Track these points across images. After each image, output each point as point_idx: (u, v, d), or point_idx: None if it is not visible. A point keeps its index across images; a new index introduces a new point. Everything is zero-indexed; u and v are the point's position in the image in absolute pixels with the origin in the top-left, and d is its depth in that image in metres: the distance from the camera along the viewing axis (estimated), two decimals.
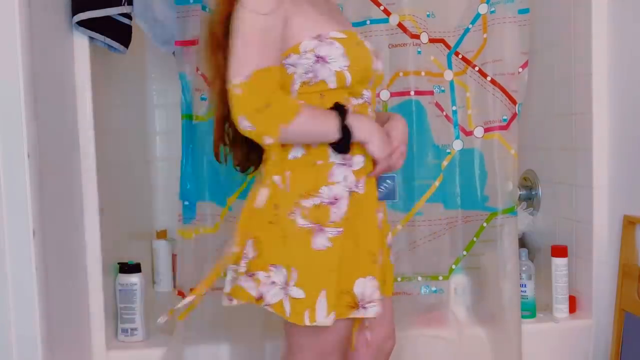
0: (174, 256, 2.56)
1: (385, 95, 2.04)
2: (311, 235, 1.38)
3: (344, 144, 1.38)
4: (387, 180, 1.48)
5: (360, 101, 1.48)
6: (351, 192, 1.42)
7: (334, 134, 1.37)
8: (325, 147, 1.40)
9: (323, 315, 1.36)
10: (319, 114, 1.38)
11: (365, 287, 1.41)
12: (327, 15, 1.48)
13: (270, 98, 1.33)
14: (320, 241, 1.38)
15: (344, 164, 1.41)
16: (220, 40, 1.43)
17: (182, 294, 1.96)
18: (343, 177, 1.41)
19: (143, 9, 1.94)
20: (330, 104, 1.41)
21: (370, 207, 1.47)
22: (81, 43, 1.87)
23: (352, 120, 1.38)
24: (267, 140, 1.34)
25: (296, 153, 1.41)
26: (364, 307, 1.42)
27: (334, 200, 1.39)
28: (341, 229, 1.39)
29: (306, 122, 1.36)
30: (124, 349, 1.99)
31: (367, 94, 1.49)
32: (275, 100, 1.33)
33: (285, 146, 1.41)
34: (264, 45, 1.34)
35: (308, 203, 1.39)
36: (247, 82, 1.32)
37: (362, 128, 1.40)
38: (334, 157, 1.40)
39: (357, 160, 1.43)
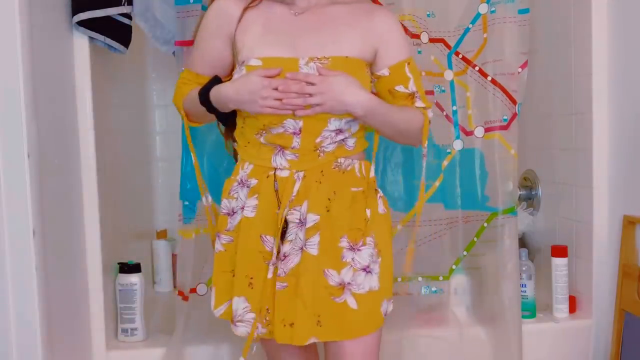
0: (174, 256, 2.56)
1: None
2: (215, 240, 1.59)
3: (208, 107, 1.51)
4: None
5: (280, 130, 1.47)
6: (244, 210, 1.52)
7: (197, 100, 1.52)
8: (239, 165, 1.56)
9: (212, 307, 1.59)
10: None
11: (238, 306, 1.51)
12: (274, 35, 1.50)
13: (184, 86, 1.61)
14: (217, 246, 1.58)
15: (240, 184, 1.54)
16: None
17: (182, 294, 1.96)
18: (238, 194, 1.54)
19: (143, 9, 1.94)
20: (251, 131, 1.52)
21: (255, 231, 1.50)
22: (81, 43, 1.87)
23: (216, 87, 1.49)
24: (182, 112, 1.62)
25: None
26: (236, 325, 1.52)
27: (232, 212, 1.55)
28: (232, 238, 1.55)
29: (192, 92, 1.56)
30: (124, 349, 1.99)
31: (290, 123, 1.46)
32: (185, 85, 1.61)
33: None
34: (199, 53, 1.60)
35: (218, 210, 1.60)
36: (180, 73, 1.65)
37: (220, 94, 1.48)
38: (238, 176, 1.54)
39: (251, 182, 1.52)
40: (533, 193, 2.45)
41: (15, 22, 1.40)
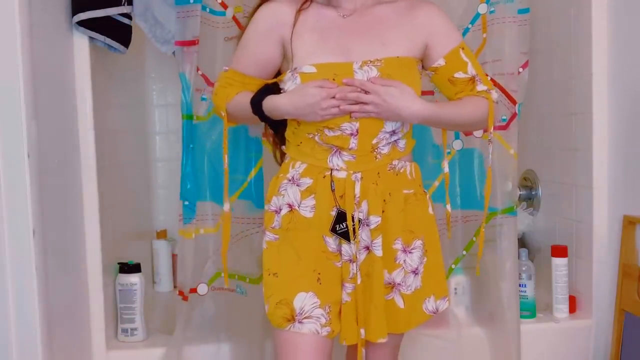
0: (174, 256, 2.56)
1: None
2: (263, 235, 1.57)
3: (260, 117, 1.53)
4: (344, 223, 1.48)
5: (337, 133, 1.48)
6: (292, 208, 1.51)
7: (249, 108, 1.53)
8: (289, 163, 1.55)
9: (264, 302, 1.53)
10: (248, 94, 1.55)
11: (305, 302, 1.47)
12: (326, 40, 1.51)
13: (229, 87, 1.58)
14: (264, 241, 1.56)
15: (290, 181, 1.53)
16: None
17: (182, 294, 1.96)
18: (287, 192, 1.53)
19: (143, 9, 1.94)
20: (304, 132, 1.52)
21: (316, 232, 1.50)
22: (81, 43, 1.87)
23: (270, 100, 1.50)
24: (222, 114, 1.59)
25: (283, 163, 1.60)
26: (300, 322, 1.47)
27: (279, 210, 1.54)
28: (277, 236, 1.53)
29: (240, 97, 1.56)
30: (124, 349, 1.99)
31: (347, 125, 1.47)
32: (230, 86, 1.58)
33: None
34: (246, 54, 1.59)
35: (266, 207, 1.58)
36: (224, 73, 1.61)
37: (277, 108, 1.49)
38: (288, 174, 1.53)
39: (304, 181, 1.52)
40: (533, 193, 2.45)
41: (15, 22, 1.41)
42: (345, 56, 1.49)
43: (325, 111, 1.44)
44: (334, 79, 1.45)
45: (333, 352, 1.75)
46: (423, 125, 1.55)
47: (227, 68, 1.61)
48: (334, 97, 1.43)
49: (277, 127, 1.61)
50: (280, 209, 1.53)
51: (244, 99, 1.55)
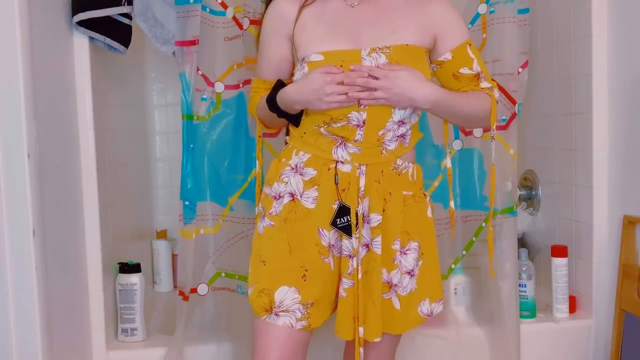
0: (174, 256, 2.56)
1: None
2: (259, 219, 1.57)
3: (277, 112, 1.53)
4: (347, 217, 1.47)
5: (344, 123, 1.47)
6: (294, 198, 1.50)
7: (266, 106, 1.54)
8: (292, 149, 1.55)
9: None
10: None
11: (286, 296, 1.47)
12: (333, 28, 1.51)
13: (256, 94, 1.63)
14: (260, 225, 1.55)
15: (293, 169, 1.53)
16: None
17: (182, 294, 1.96)
18: (289, 179, 1.53)
19: (143, 9, 1.94)
20: (311, 123, 1.51)
21: (314, 224, 1.50)
22: (81, 43, 1.87)
23: (281, 91, 1.50)
24: (257, 121, 1.65)
25: (284, 148, 1.59)
26: (277, 314, 1.47)
27: (278, 196, 1.53)
28: (272, 223, 1.52)
29: (262, 100, 1.58)
30: (124, 349, 1.99)
31: (354, 115, 1.46)
32: (256, 94, 1.63)
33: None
34: (264, 59, 1.61)
35: (266, 190, 1.57)
36: (252, 82, 1.66)
37: (285, 97, 1.48)
38: (292, 161, 1.53)
39: (308, 171, 1.51)
40: (533, 193, 2.45)
41: (15, 22, 1.41)
42: (353, 43, 1.48)
43: (330, 97, 1.42)
44: (341, 66, 1.44)
45: (331, 349, 1.75)
46: (431, 112, 1.53)
47: (253, 78, 1.64)
48: (341, 83, 1.42)
49: (298, 122, 1.57)
50: (281, 196, 1.53)
51: (263, 100, 1.56)
